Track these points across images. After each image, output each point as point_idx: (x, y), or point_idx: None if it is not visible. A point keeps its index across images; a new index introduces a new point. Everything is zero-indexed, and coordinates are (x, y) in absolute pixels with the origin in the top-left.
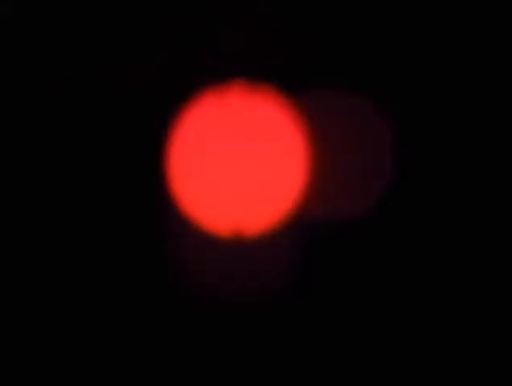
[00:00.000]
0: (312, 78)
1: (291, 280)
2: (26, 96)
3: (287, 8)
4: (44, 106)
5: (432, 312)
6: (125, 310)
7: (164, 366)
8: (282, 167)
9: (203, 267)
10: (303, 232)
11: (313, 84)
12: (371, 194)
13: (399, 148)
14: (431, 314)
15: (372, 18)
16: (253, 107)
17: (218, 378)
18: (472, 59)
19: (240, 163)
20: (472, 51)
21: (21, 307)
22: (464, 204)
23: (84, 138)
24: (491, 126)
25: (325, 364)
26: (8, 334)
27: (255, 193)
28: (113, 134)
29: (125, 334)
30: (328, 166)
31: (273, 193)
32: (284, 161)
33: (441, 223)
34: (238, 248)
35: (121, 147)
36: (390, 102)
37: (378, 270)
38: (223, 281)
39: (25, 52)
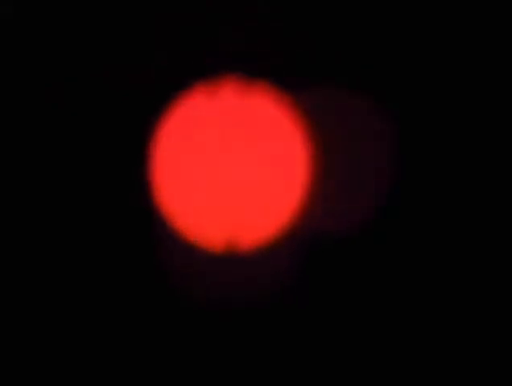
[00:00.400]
0: (312, 78)
1: (291, 296)
2: (26, 95)
3: (287, 8)
4: (44, 105)
5: (434, 317)
6: (118, 329)
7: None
8: (280, 172)
9: (194, 283)
10: (304, 243)
11: (313, 83)
12: (372, 200)
13: (401, 149)
14: (432, 321)
15: (372, 17)
16: (249, 106)
17: None
18: (472, 59)
19: (235, 168)
20: (472, 50)
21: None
22: (466, 209)
23: (77, 137)
24: (491, 126)
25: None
26: None
27: (251, 201)
28: (99, 134)
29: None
30: (330, 170)
31: (271, 200)
32: (283, 165)
33: (443, 226)
34: (232, 263)
35: (106, 149)
36: (391, 102)
37: (381, 285)
38: (217, 296)
39: (25, 52)
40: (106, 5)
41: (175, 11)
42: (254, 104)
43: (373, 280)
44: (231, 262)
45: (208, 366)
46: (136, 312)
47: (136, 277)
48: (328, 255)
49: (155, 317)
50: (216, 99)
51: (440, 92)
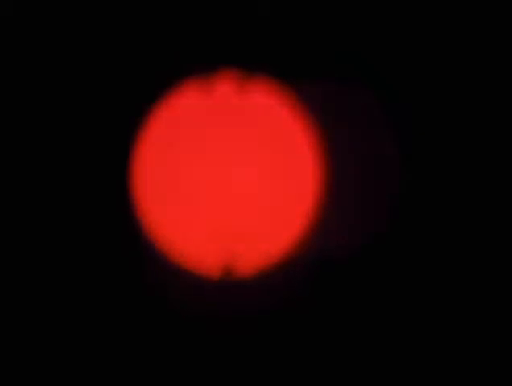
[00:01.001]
0: (316, 73)
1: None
2: (26, 96)
3: (287, 7)
4: (43, 105)
5: (452, 335)
6: (108, 356)
7: None
8: (287, 182)
9: (187, 310)
10: (311, 264)
11: (317, 79)
12: (385, 210)
13: (408, 152)
14: (451, 339)
15: (378, 13)
16: (248, 105)
17: None
18: (476, 58)
19: (233, 177)
20: (475, 49)
21: None
22: (484, 215)
23: (60, 137)
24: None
25: None
26: None
27: (253, 215)
28: (80, 136)
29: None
30: (340, 178)
31: (276, 215)
32: (290, 173)
33: (461, 233)
34: (228, 289)
35: (86, 155)
36: (399, 98)
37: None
38: (213, 324)
39: (25, 52)
40: (102, 2)
41: (167, 4)
42: (254, 103)
43: (385, 304)
44: (229, 288)
45: None
46: (125, 338)
47: (123, 302)
48: (337, 277)
49: (147, 344)
50: (212, 96)
51: (447, 87)
